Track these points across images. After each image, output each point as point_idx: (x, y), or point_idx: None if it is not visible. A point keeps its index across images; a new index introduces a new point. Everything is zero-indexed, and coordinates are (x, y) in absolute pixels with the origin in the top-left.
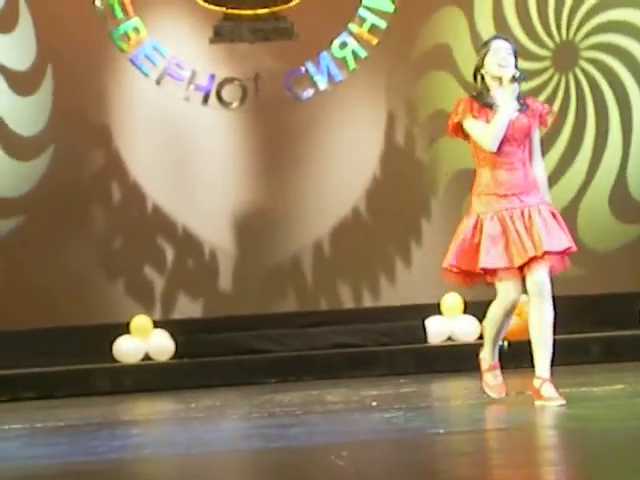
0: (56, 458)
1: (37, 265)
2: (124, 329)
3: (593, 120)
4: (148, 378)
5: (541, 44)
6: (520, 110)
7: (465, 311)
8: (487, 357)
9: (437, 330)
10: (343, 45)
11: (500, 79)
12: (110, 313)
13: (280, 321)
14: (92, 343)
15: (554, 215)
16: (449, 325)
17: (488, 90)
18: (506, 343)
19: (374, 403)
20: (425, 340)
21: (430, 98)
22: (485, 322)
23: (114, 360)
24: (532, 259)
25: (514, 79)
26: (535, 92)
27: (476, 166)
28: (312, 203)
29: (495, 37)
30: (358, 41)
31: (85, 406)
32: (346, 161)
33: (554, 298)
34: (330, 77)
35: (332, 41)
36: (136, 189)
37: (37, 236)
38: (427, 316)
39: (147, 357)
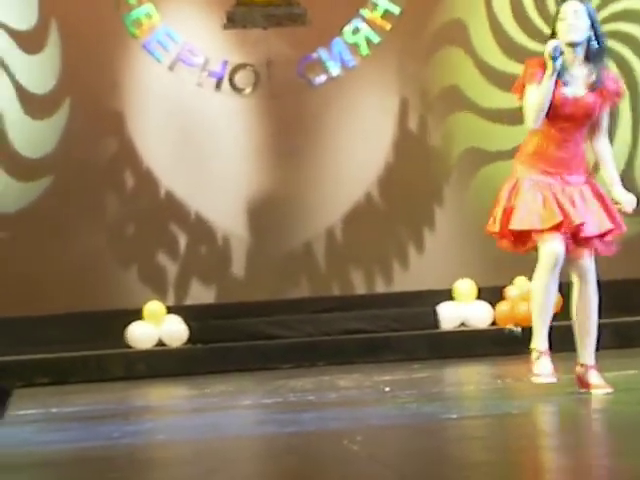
0: (70, 443)
1: (51, 251)
2: (137, 315)
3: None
4: (161, 364)
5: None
6: (592, 88)
7: (478, 297)
8: (537, 341)
9: (450, 316)
10: (356, 31)
11: (574, 45)
12: (123, 299)
13: (293, 307)
14: (105, 329)
15: (600, 196)
16: (462, 311)
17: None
18: (519, 328)
19: (387, 389)
20: (437, 326)
21: (443, 75)
22: (531, 303)
23: (127, 346)
24: (574, 242)
25: (553, 57)
26: None
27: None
28: (325, 189)
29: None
30: (371, 27)
31: (99, 392)
32: (359, 147)
33: (562, 285)
34: (343, 63)
35: (344, 27)
36: (149, 175)
37: (51, 222)
38: (440, 302)
39: (160, 343)
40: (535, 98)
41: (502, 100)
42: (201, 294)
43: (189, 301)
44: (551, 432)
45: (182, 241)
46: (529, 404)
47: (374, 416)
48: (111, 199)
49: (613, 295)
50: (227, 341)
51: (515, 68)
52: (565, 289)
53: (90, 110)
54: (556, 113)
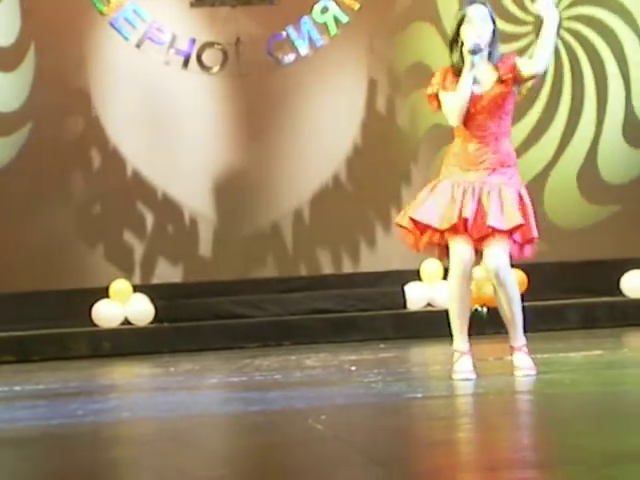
0: (35, 421)
1: (17, 229)
2: (103, 293)
3: (569, 93)
4: (127, 342)
5: (525, 9)
6: (496, 79)
7: (445, 277)
8: (457, 341)
9: (416, 296)
10: (324, 10)
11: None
12: (89, 278)
13: (260, 286)
14: (71, 307)
15: (520, 196)
16: (428, 291)
17: (464, 59)
18: (485, 309)
19: (353, 368)
20: (404, 306)
21: (411, 54)
22: (449, 307)
23: (93, 324)
24: (487, 238)
25: (473, 52)
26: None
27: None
28: (292, 168)
29: (470, 2)
30: (339, 6)
31: (64, 370)
32: (327, 127)
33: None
34: (311, 42)
35: (313, 6)
36: (116, 154)
37: (16, 201)
38: (407, 282)
39: (126, 321)
40: (455, 95)
41: None
42: (167, 273)
43: (155, 280)
44: (516, 412)
45: (149, 220)
46: (494, 384)
47: (339, 395)
48: (77, 178)
49: (579, 276)
50: (193, 320)
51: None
52: (530, 269)
53: (56, 88)
54: (469, 111)
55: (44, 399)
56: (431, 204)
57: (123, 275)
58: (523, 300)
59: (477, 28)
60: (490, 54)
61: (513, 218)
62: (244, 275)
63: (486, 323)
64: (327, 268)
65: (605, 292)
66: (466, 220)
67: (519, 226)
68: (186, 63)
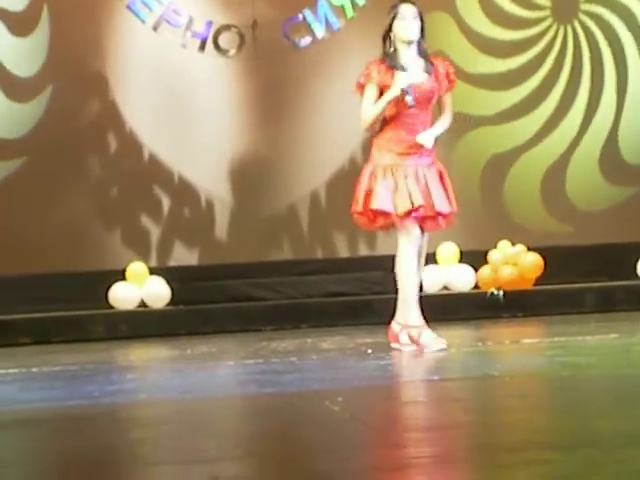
0: (52, 402)
1: (34, 212)
2: (120, 276)
3: (588, 76)
4: (143, 324)
5: None
6: (427, 71)
7: (461, 260)
8: (415, 317)
9: (432, 279)
10: None
11: (407, 42)
12: (106, 260)
13: (276, 269)
14: (88, 289)
15: (441, 177)
16: (444, 274)
17: (396, 51)
18: (501, 292)
19: (369, 350)
20: (420, 289)
21: (428, 40)
22: (401, 280)
23: (110, 306)
24: (425, 220)
25: (405, 92)
26: (533, 41)
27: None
28: (308, 151)
29: (402, 1)
30: None
31: (81, 351)
32: (343, 110)
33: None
34: (328, 25)
35: None
36: (132, 137)
37: (34, 183)
38: None
39: (143, 304)
40: (372, 110)
41: (487, 65)
42: (184, 256)
43: (172, 262)
44: (530, 394)
45: (165, 203)
46: (510, 366)
47: (356, 377)
48: (94, 161)
49: (596, 260)
50: (209, 303)
51: (500, 33)
52: (547, 253)
53: (74, 71)
54: (403, 101)
55: (61, 381)
56: (382, 191)
57: (139, 258)
58: (540, 284)
59: (408, 24)
60: (419, 47)
61: (446, 204)
62: (260, 258)
63: (502, 306)
64: (343, 251)
65: (622, 276)
66: (419, 208)
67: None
68: (203, 46)
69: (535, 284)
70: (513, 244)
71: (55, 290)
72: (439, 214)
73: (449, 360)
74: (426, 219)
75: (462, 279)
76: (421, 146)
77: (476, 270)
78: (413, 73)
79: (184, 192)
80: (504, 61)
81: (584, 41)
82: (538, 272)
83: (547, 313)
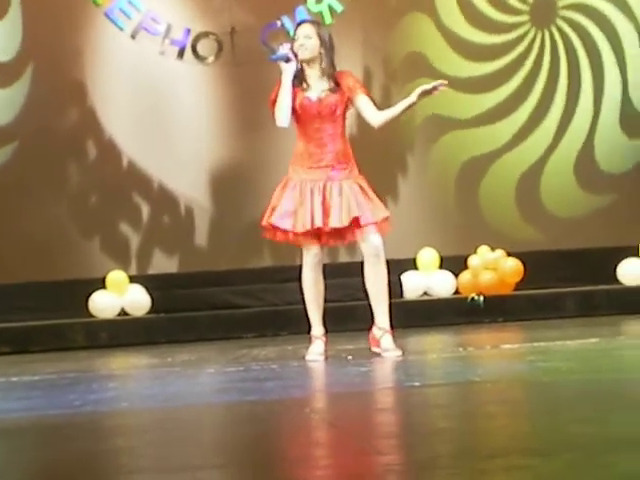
0: (32, 411)
1: (13, 220)
2: (100, 284)
3: (565, 82)
4: (124, 333)
5: None
6: (329, 89)
7: (441, 266)
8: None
9: (413, 285)
10: None
11: (307, 61)
12: (86, 268)
13: (256, 276)
14: (68, 298)
15: (361, 188)
16: (425, 280)
17: (302, 71)
18: (482, 298)
19: (350, 357)
20: (401, 295)
21: (406, 43)
22: (305, 298)
23: (90, 315)
24: (362, 225)
25: (284, 59)
26: (511, 45)
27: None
28: (288, 158)
29: (299, 23)
30: None
31: (61, 360)
32: None
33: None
34: None
35: None
36: (111, 145)
37: (12, 192)
38: (403, 271)
39: (123, 312)
40: (278, 100)
41: (465, 68)
42: (164, 263)
43: (152, 270)
44: (511, 400)
45: (145, 211)
46: (491, 372)
47: (337, 384)
48: (73, 169)
49: (576, 265)
50: (190, 310)
51: (479, 37)
52: (527, 258)
53: (52, 78)
54: (306, 115)
55: (41, 390)
56: (286, 206)
57: (119, 266)
58: (520, 289)
59: (301, 45)
60: (321, 66)
61: (351, 210)
62: (240, 265)
63: (482, 311)
64: (323, 258)
65: (602, 280)
66: (318, 228)
67: (356, 218)
68: (181, 53)
69: (515, 289)
70: (493, 249)
71: (35, 299)
72: (349, 227)
73: (430, 366)
74: (342, 231)
75: (442, 285)
76: (332, 161)
77: (456, 276)
78: (316, 88)
79: (163, 200)
80: (481, 65)
81: (562, 47)
82: (518, 277)
83: (528, 318)
